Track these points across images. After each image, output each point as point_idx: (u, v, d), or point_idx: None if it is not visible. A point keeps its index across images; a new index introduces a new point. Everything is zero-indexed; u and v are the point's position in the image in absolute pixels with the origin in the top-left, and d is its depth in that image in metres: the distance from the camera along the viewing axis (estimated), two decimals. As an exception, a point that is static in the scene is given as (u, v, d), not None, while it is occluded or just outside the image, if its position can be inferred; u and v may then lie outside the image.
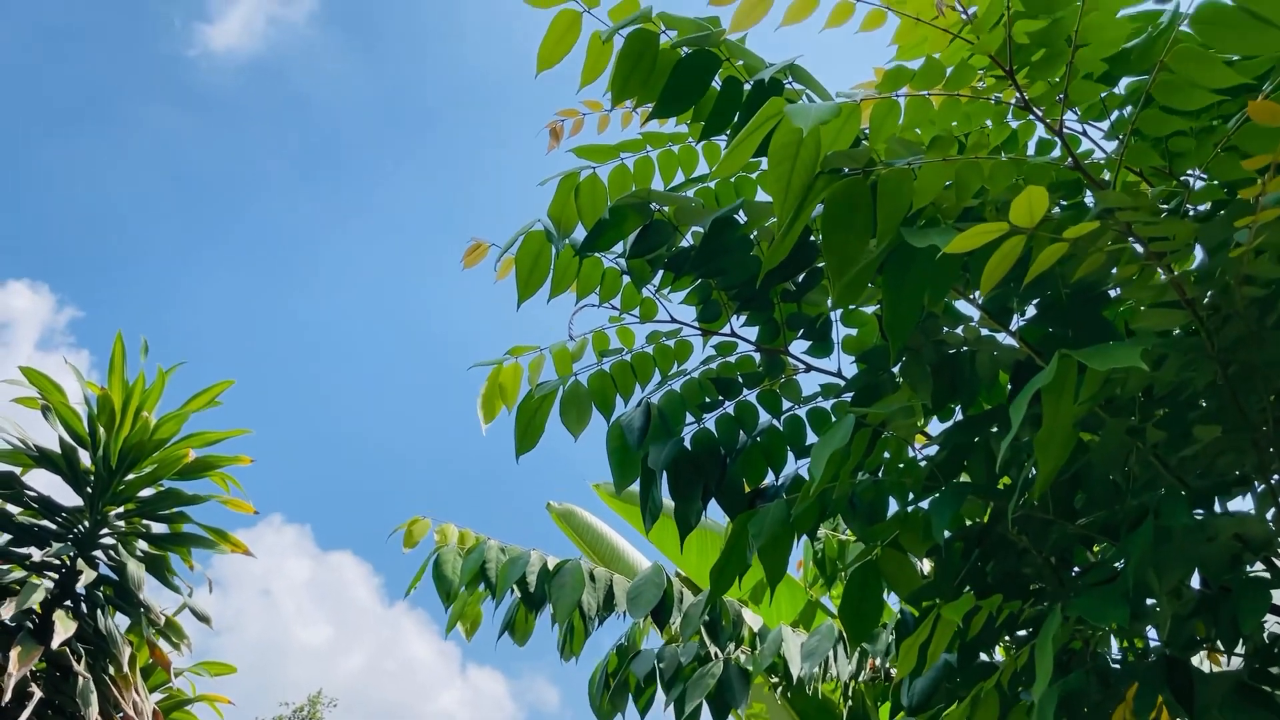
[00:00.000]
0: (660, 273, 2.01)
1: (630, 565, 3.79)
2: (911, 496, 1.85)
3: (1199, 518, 1.33)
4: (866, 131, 1.44)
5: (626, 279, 2.04)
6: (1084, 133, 1.69)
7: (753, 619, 2.45)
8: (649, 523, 2.02)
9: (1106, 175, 1.66)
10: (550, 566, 2.41)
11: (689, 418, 2.06)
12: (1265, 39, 1.18)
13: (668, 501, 2.05)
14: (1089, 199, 1.66)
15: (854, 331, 2.05)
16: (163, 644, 6.00)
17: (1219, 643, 1.42)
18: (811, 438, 2.05)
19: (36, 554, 5.31)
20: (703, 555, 3.64)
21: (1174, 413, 1.35)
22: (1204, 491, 1.45)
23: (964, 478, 1.84)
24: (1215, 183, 1.36)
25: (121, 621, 5.85)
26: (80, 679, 5.34)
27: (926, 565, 2.10)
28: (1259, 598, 1.24)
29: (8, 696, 4.72)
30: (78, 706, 5.24)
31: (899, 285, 1.36)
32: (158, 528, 6.05)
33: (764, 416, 2.05)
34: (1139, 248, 1.36)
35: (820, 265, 1.97)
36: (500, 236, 2.01)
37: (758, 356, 2.08)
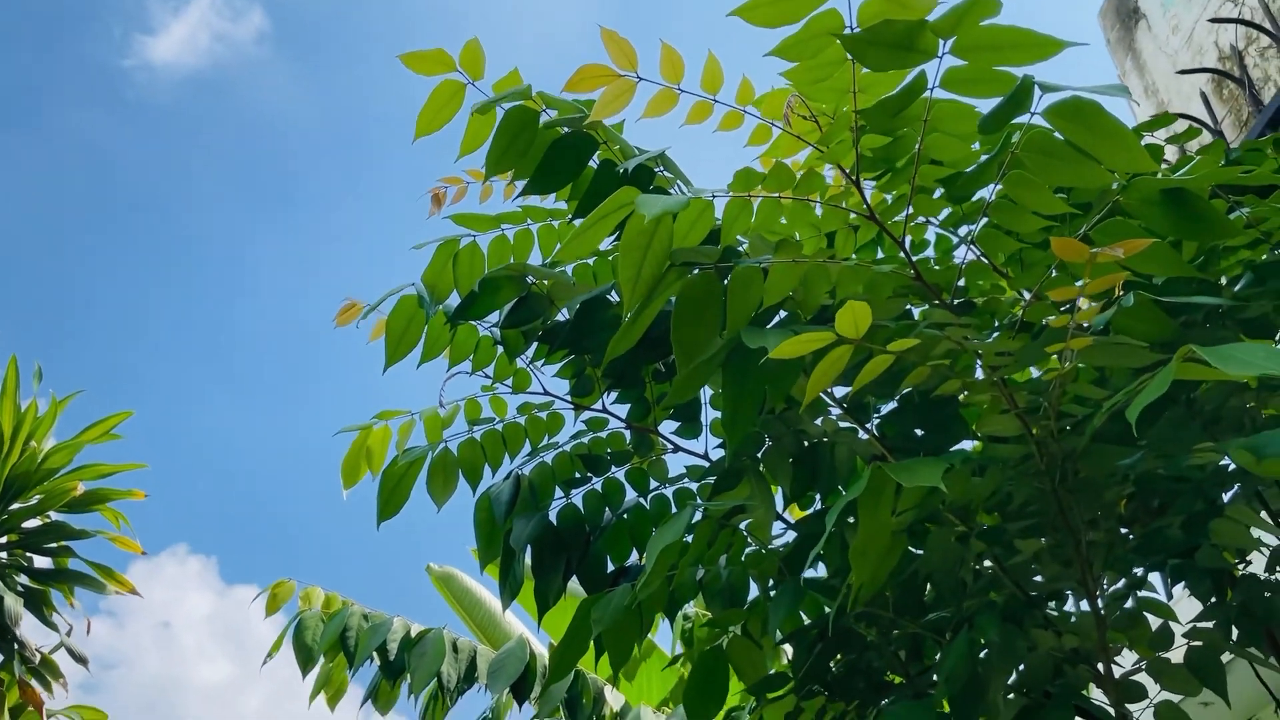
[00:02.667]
0: (534, 345, 2.01)
1: (506, 633, 3.71)
2: (771, 583, 1.85)
3: (1021, 627, 1.36)
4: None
5: (500, 349, 2.03)
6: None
7: (614, 698, 2.42)
8: (508, 599, 1.98)
9: (962, 282, 1.71)
10: (413, 634, 2.35)
11: (556, 492, 2.04)
12: (1085, 172, 1.23)
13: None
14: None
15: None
16: (35, 684, 5.72)
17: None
18: (677, 518, 2.05)
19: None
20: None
21: (1003, 522, 1.37)
22: (1039, 597, 1.48)
23: (821, 568, 1.86)
24: (1049, 301, 1.41)
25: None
26: (-62, 720, 5.05)
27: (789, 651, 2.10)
28: (1067, 709, 1.25)
29: None
30: (-67, 747, 4.94)
31: (740, 382, 1.38)
32: (40, 561, 5.79)
33: (630, 495, 2.05)
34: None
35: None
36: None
37: (628, 434, 2.07)
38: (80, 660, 5.94)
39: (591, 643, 1.78)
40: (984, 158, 1.30)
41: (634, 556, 2.07)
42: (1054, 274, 1.38)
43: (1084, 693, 1.34)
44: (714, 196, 1.40)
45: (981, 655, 1.42)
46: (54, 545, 5.78)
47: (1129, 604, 1.55)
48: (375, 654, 2.35)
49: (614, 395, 2.05)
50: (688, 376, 1.36)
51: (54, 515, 5.78)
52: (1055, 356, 1.33)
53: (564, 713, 2.27)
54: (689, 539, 1.57)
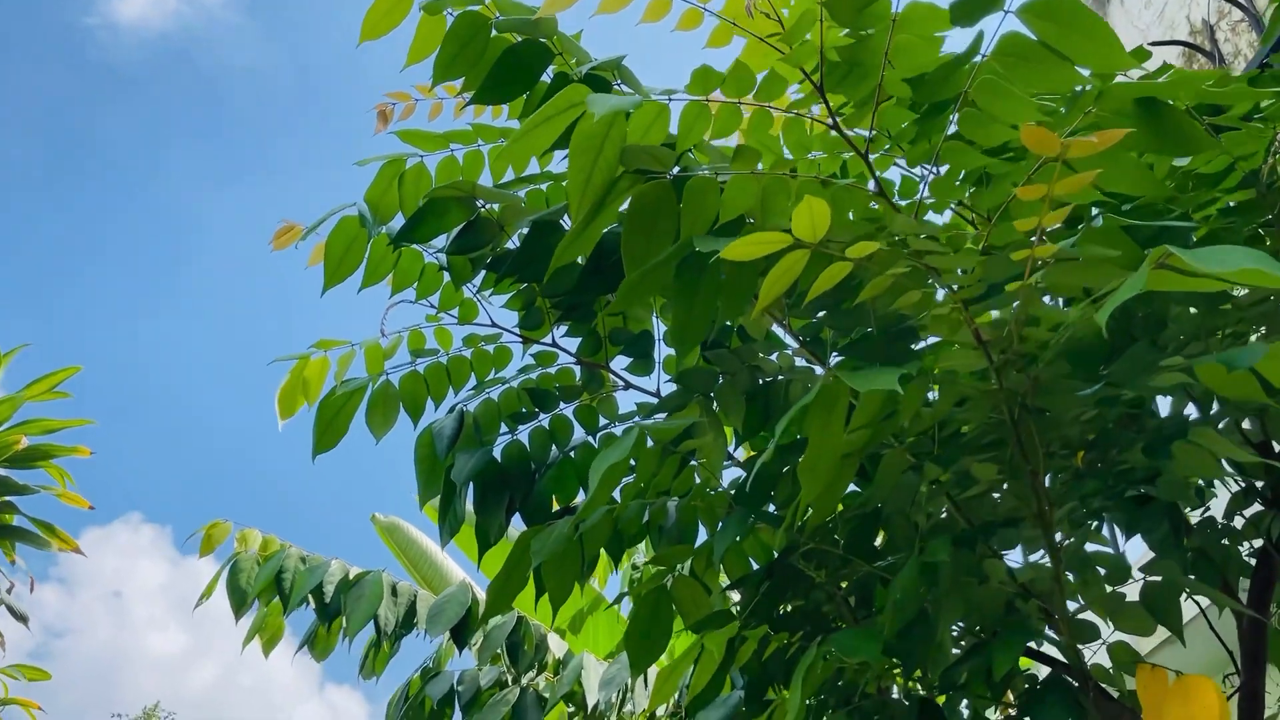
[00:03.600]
0: (482, 273, 1.92)
1: (451, 584, 3.63)
2: (720, 525, 1.79)
3: (969, 556, 1.30)
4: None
5: (447, 277, 1.94)
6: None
7: (558, 645, 2.35)
8: (446, 537, 1.90)
9: (938, 219, 1.65)
10: (351, 577, 2.26)
11: (502, 428, 1.96)
12: (1060, 75, 1.17)
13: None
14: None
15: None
16: (-28, 644, 5.55)
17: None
18: (627, 459, 1.98)
19: None
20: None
21: (956, 451, 1.32)
22: (990, 533, 1.42)
23: (770, 509, 1.80)
24: (1012, 224, 1.35)
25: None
26: None
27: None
28: (1013, 645, 1.20)
29: None
30: None
31: (691, 293, 1.30)
32: (-21, 517, 5.62)
33: (579, 432, 1.97)
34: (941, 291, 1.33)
35: (646, 280, 1.92)
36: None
37: (578, 370, 2.00)
38: (21, 618, 5.76)
39: (532, 583, 1.72)
40: (954, 58, 1.24)
41: (581, 496, 2.00)
42: (1017, 190, 1.32)
43: (1034, 631, 1.29)
44: (670, 99, 1.32)
45: (930, 595, 1.36)
46: (-6, 501, 5.62)
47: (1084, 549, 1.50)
48: (311, 597, 2.26)
49: (564, 329, 1.97)
50: (635, 282, 1.28)
51: (-6, 470, 5.62)
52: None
53: (505, 659, 2.20)
54: (635, 463, 1.50)
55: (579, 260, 1.81)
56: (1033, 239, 1.12)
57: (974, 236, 1.55)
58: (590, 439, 1.98)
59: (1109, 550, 1.54)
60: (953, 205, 1.57)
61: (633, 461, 1.59)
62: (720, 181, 1.34)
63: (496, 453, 1.94)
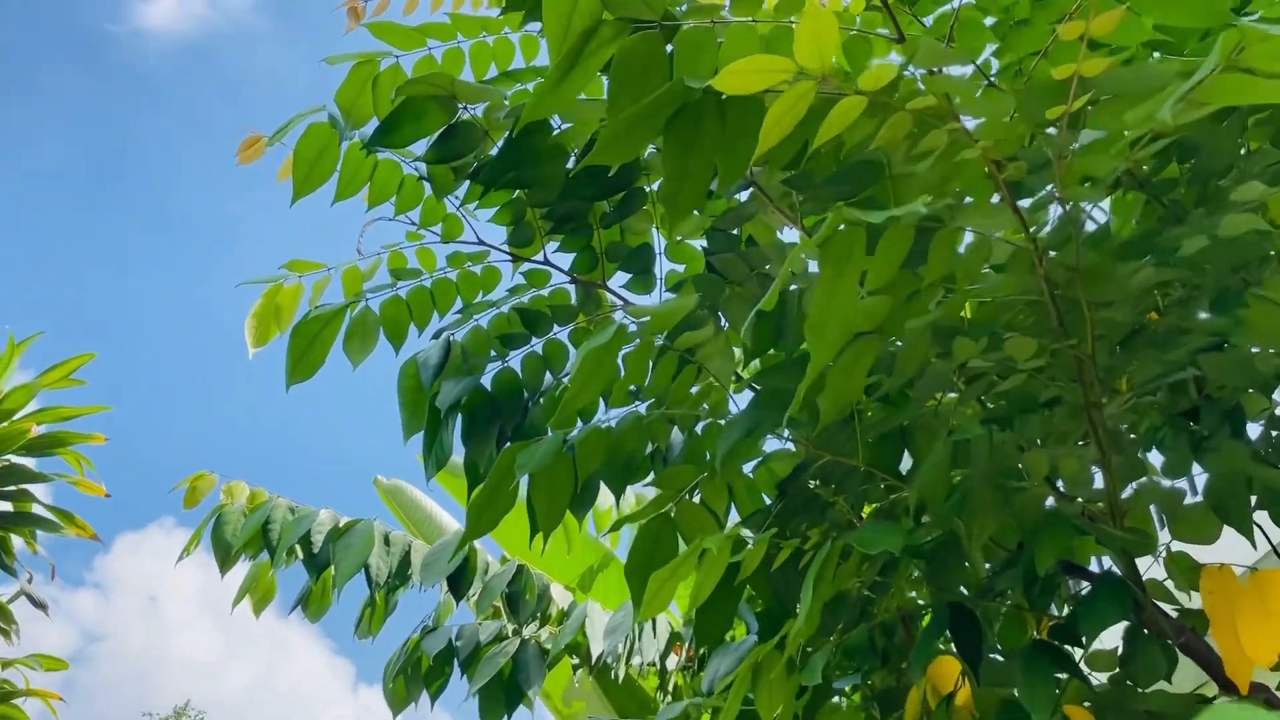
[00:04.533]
0: (466, 185, 1.77)
1: (454, 544, 3.48)
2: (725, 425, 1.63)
3: (1005, 443, 1.13)
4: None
5: (429, 190, 1.79)
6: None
7: (562, 595, 2.20)
8: (432, 470, 1.75)
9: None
10: (341, 525, 2.13)
11: (492, 354, 1.81)
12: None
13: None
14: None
15: (681, 268, 1.84)
16: (-9, 632, 5.48)
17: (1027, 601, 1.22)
18: (628, 385, 1.82)
19: None
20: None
21: (988, 326, 1.15)
22: (1030, 414, 1.24)
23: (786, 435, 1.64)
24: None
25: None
26: (-116, 660, 4.80)
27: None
28: (1058, 538, 1.04)
29: None
30: (-122, 687, 4.71)
31: (684, 147, 1.14)
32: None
33: (574, 356, 1.82)
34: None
35: (642, 188, 1.76)
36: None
37: (573, 289, 1.84)
38: (40, 605, 5.70)
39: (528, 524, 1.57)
40: None
41: (578, 427, 1.84)
42: (1059, 30, 1.15)
43: (1080, 528, 1.12)
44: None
45: (961, 503, 1.20)
46: (13, 489, 5.55)
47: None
48: (299, 547, 2.13)
49: (556, 245, 1.82)
50: (619, 130, 1.11)
51: (11, 458, 5.55)
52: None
53: (505, 609, 2.06)
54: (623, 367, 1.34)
55: (568, 164, 1.66)
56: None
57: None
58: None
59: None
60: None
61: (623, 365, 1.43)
62: (717, 31, 1.19)
63: (486, 381, 1.80)
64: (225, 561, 2.22)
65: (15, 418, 5.77)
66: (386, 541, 2.12)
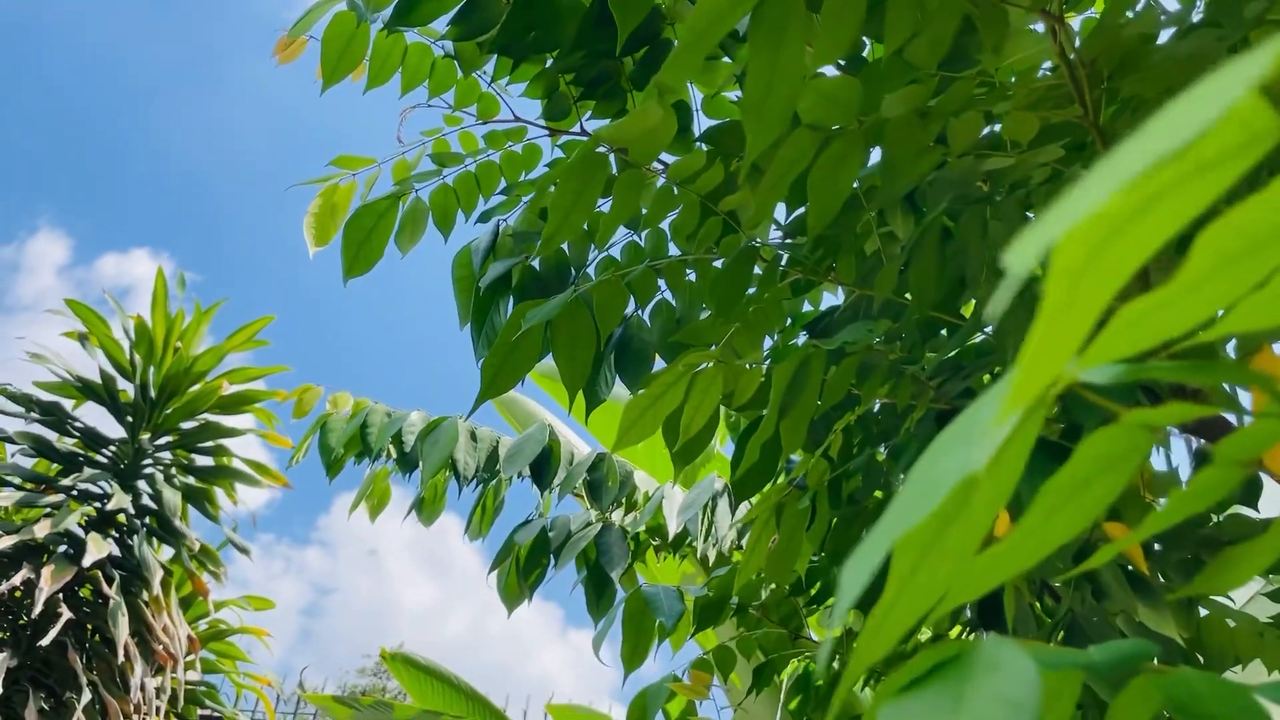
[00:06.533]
0: (494, 59, 1.74)
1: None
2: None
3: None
4: None
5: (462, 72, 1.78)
6: None
7: (646, 481, 2.17)
8: (483, 351, 1.76)
9: None
10: (429, 425, 2.18)
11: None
12: None
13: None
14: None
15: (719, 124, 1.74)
16: (206, 578, 6.03)
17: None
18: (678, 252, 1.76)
19: (77, 482, 5.33)
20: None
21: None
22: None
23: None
24: None
25: (161, 553, 5.87)
26: (111, 601, 5.36)
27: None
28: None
29: (39, 609, 4.76)
30: (108, 627, 5.26)
31: (775, 39, 0.94)
32: (200, 460, 6.08)
33: (620, 231, 1.77)
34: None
35: (669, 39, 1.68)
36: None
37: (613, 158, 1.79)
38: (243, 551, 6.23)
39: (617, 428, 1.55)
40: None
41: (630, 305, 1.80)
42: None
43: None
44: None
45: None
46: (211, 444, 6.06)
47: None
48: (391, 446, 2.20)
49: (590, 114, 1.76)
50: (701, 31, 0.89)
51: (205, 416, 6.04)
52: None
53: (587, 496, 2.05)
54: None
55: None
56: None
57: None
58: (636, 237, 1.78)
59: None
60: None
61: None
62: None
63: (535, 262, 1.78)
64: (331, 467, 2.33)
65: (207, 379, 6.27)
66: (474, 438, 2.16)
